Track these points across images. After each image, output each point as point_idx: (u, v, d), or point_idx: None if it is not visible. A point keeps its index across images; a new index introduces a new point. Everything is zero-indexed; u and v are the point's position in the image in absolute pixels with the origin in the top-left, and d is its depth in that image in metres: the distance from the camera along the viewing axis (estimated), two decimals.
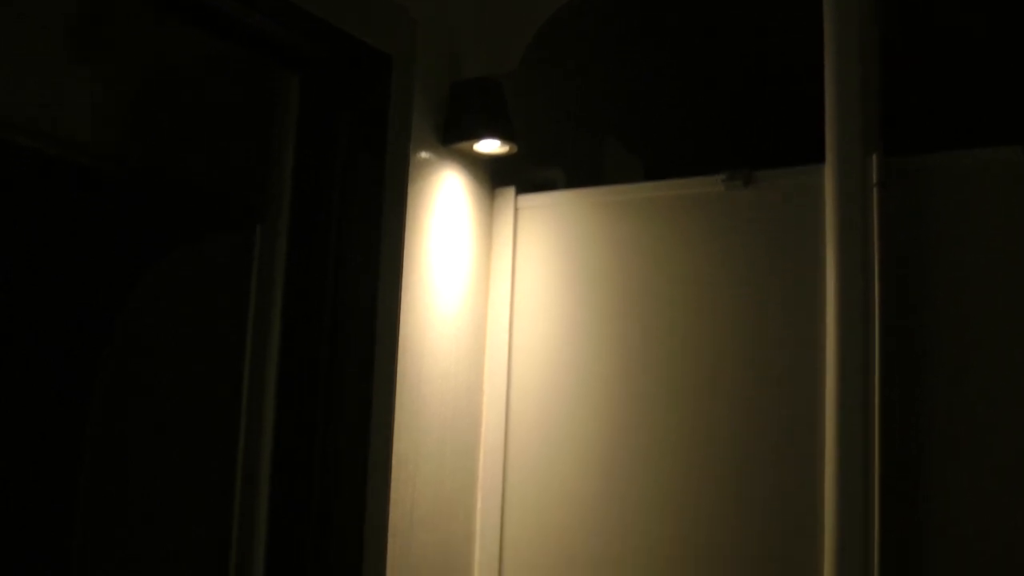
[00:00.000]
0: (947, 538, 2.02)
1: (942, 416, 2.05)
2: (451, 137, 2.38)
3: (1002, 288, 2.04)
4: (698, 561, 2.22)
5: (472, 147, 2.40)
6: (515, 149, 2.41)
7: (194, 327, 2.33)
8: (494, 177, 2.55)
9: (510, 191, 2.52)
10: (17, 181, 2.19)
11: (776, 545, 2.15)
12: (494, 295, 2.50)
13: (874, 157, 2.10)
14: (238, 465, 2.15)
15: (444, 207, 2.39)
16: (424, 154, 2.35)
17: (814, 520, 2.08)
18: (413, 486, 2.23)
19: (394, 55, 2.29)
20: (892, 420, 2.04)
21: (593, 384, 2.38)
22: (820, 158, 2.16)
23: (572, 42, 2.83)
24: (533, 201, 2.51)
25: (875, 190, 2.09)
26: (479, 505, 2.46)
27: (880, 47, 2.18)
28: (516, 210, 2.51)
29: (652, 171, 2.59)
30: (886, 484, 2.02)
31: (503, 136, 2.38)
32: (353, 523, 2.12)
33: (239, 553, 2.11)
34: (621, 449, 2.33)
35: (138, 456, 2.28)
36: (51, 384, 2.32)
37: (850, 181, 2.11)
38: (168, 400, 2.30)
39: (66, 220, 2.34)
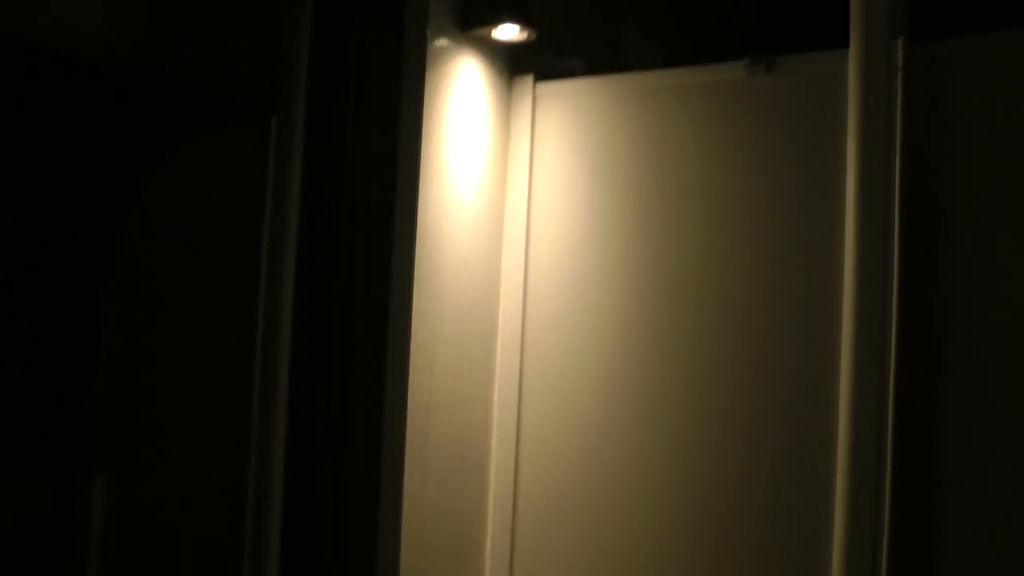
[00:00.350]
0: (961, 468, 2.01)
1: (963, 314, 2.03)
2: (469, 23, 2.34)
3: None
4: (712, 455, 2.24)
5: (490, 33, 2.36)
6: (534, 35, 2.38)
7: (210, 222, 2.32)
8: (512, 65, 2.51)
9: (528, 79, 2.49)
10: (24, 77, 2.17)
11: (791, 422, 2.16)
12: (512, 183, 2.49)
13: (900, 41, 2.06)
14: (257, 351, 2.16)
15: (462, 95, 2.36)
16: (441, 41, 2.31)
17: (830, 407, 2.10)
18: (431, 373, 2.24)
19: None
20: (911, 315, 2.04)
21: (611, 274, 2.37)
22: (845, 45, 2.12)
23: None
24: (552, 89, 2.48)
25: (900, 75, 2.05)
26: (496, 396, 2.48)
27: None
28: (534, 98, 2.48)
29: (672, 59, 2.55)
30: (901, 391, 2.02)
31: (522, 21, 2.34)
32: (373, 409, 2.14)
33: (259, 436, 2.13)
34: (639, 341, 2.33)
35: (158, 339, 2.29)
36: (67, 278, 2.32)
37: (874, 66, 2.07)
38: (185, 290, 2.31)
39: (75, 117, 2.32)
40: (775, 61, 2.23)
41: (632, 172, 2.37)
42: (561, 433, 2.41)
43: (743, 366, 2.22)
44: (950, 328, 2.03)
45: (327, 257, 2.22)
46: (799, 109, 2.21)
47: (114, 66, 2.15)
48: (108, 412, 2.31)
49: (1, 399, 2.18)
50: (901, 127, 2.06)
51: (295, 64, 2.28)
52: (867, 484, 2.01)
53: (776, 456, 2.16)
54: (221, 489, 2.18)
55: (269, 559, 2.17)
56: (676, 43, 2.82)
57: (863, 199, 2.07)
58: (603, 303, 2.37)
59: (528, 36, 2.38)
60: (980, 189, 2.04)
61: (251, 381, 2.19)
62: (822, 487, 2.08)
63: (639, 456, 2.31)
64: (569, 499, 2.39)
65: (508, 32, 2.36)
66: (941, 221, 2.05)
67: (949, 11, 2.33)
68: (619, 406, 2.34)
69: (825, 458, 2.08)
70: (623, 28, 2.92)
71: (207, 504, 2.22)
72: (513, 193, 2.48)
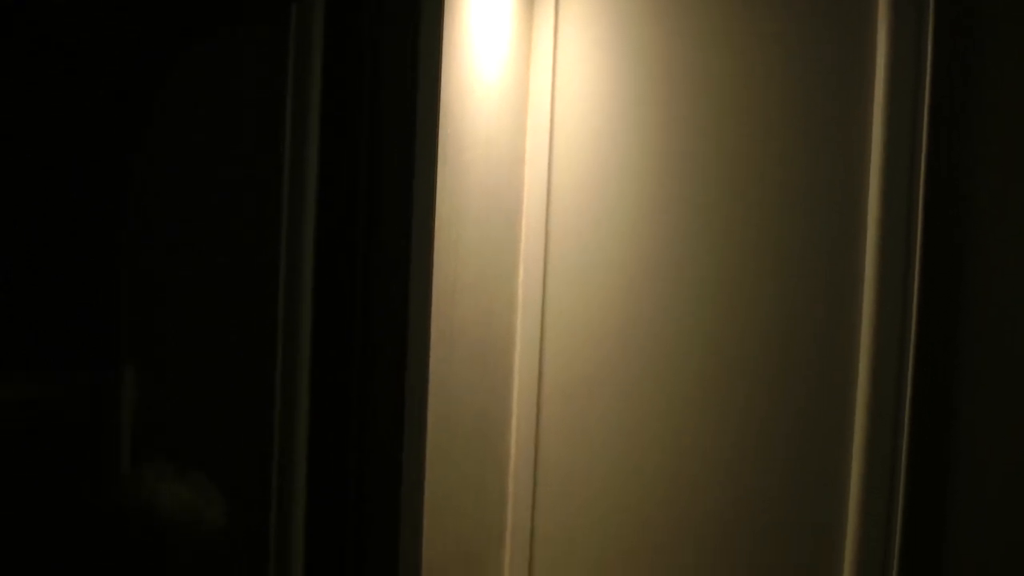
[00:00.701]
0: (978, 413, 2.04)
1: (987, 205, 2.03)
2: None
3: None
4: (740, 341, 2.26)
5: None
6: None
7: (229, 117, 2.32)
8: None
9: None
10: None
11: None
12: (535, 65, 2.47)
13: None
14: (282, 233, 2.17)
15: None
16: None
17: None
18: (455, 252, 2.25)
19: None
20: (936, 199, 2.04)
21: (637, 160, 2.37)
22: None
23: None
24: None
25: None
26: (521, 279, 2.49)
27: None
28: None
29: None
30: (924, 303, 2.03)
31: None
32: (397, 289, 2.15)
33: (286, 320, 2.15)
34: (665, 225, 2.34)
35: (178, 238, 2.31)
36: (80, 190, 2.32)
37: None
38: (205, 193, 2.31)
39: (83, 17, 2.30)
40: None
41: (658, 56, 2.35)
42: (586, 317, 2.43)
43: (772, 249, 2.23)
44: (973, 222, 2.03)
45: (349, 139, 2.21)
46: None
47: None
48: (133, 303, 2.33)
49: (19, 292, 2.20)
50: (934, 8, 2.03)
51: None
52: (886, 418, 2.04)
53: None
54: (250, 377, 2.20)
55: (297, 444, 2.21)
56: None
57: (893, 89, 2.07)
58: (629, 188, 2.37)
59: None
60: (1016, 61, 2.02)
61: (277, 262, 2.20)
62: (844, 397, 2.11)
63: (665, 338, 2.33)
64: (594, 382, 2.42)
65: None
66: (969, 104, 2.04)
67: None
68: (644, 290, 2.35)
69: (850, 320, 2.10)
70: None
71: (237, 392, 2.25)
72: (537, 75, 2.47)
